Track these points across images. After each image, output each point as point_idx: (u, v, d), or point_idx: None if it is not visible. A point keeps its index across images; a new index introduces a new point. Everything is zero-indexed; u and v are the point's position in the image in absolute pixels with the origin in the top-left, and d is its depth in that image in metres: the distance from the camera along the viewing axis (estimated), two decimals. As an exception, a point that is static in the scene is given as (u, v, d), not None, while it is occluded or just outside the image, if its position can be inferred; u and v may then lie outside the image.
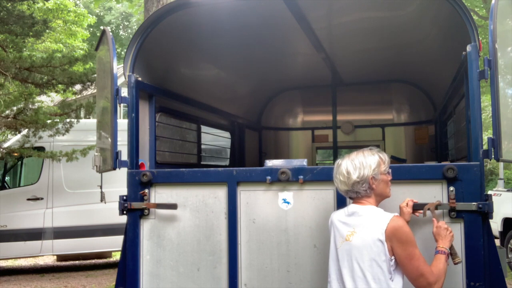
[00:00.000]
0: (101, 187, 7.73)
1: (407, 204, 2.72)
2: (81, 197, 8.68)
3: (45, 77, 7.65)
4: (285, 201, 3.13)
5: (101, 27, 5.35)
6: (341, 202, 2.97)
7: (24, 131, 8.15)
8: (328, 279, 2.59)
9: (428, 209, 2.76)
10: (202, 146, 5.42)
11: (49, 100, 12.05)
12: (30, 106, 7.66)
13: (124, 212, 3.40)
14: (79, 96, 10.28)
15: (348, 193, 2.57)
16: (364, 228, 2.43)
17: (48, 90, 8.06)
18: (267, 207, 3.16)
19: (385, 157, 2.60)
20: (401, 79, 6.29)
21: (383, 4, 3.88)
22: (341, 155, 6.81)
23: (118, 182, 6.36)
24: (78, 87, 8.38)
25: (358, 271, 2.40)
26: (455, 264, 2.57)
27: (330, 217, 2.71)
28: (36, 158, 8.54)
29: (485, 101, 15.98)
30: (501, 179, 12.80)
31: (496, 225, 8.84)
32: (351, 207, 2.56)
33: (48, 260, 10.49)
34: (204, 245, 3.27)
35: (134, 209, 3.37)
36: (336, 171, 2.59)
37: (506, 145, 2.78)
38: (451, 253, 2.54)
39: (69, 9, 17.30)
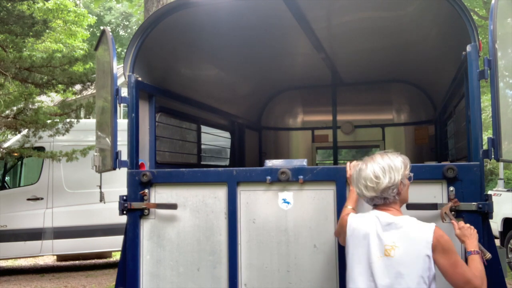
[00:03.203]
0: (100, 187, 7.76)
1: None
2: (81, 197, 8.69)
3: (45, 77, 7.65)
4: (285, 201, 3.13)
5: (101, 27, 5.36)
6: (341, 202, 2.97)
7: (24, 131, 8.15)
8: None
9: (445, 213, 2.73)
10: (202, 146, 5.42)
11: (49, 100, 12.05)
12: (30, 106, 7.66)
13: (124, 212, 3.40)
14: (79, 96, 10.28)
15: (375, 199, 2.39)
16: (408, 242, 2.26)
17: (48, 90, 8.06)
18: (267, 207, 3.16)
19: (407, 160, 2.47)
20: (401, 79, 6.29)
21: (383, 4, 3.88)
22: (341, 155, 6.82)
23: (118, 182, 6.36)
24: (78, 87, 8.38)
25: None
26: (486, 260, 2.48)
27: (351, 224, 2.46)
28: (36, 158, 8.54)
29: (485, 101, 15.98)
30: (501, 179, 12.79)
31: (496, 225, 8.84)
32: (384, 216, 2.36)
33: (48, 260, 10.49)
34: (204, 245, 3.27)
35: (134, 209, 3.37)
36: (359, 177, 2.41)
37: (506, 145, 2.77)
38: (481, 251, 2.45)
39: (69, 9, 17.30)
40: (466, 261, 2.35)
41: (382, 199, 2.37)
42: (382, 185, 2.32)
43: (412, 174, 2.45)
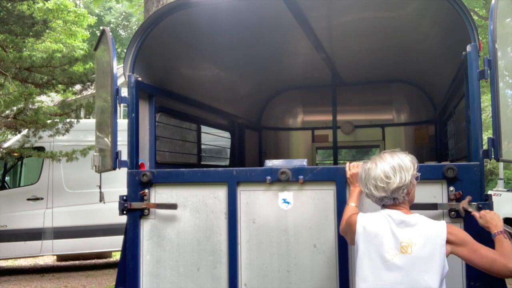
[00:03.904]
0: (100, 187, 7.77)
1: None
2: (81, 197, 8.69)
3: (45, 77, 7.65)
4: (285, 201, 3.13)
5: (101, 27, 5.36)
6: (341, 202, 2.97)
7: (24, 131, 8.15)
8: None
9: (463, 207, 2.74)
10: (202, 146, 5.42)
11: (49, 100, 12.05)
12: (30, 106, 7.66)
13: (124, 212, 3.40)
14: (79, 96, 10.28)
15: (384, 200, 2.35)
16: (424, 239, 2.24)
17: (48, 90, 8.06)
18: (267, 207, 3.16)
19: (415, 159, 2.43)
20: (401, 79, 6.29)
21: (383, 4, 3.88)
22: (341, 155, 6.81)
23: (118, 182, 6.36)
24: (78, 87, 8.39)
25: (422, 284, 2.21)
26: None
27: (361, 224, 2.38)
28: (36, 158, 8.54)
29: (485, 101, 15.98)
30: (501, 179, 12.81)
31: (496, 225, 8.83)
32: (396, 214, 2.32)
33: (48, 260, 10.49)
34: (204, 245, 3.27)
35: (134, 209, 3.37)
36: (369, 176, 2.36)
37: (506, 145, 2.78)
38: (505, 230, 2.40)
39: (69, 9, 17.31)
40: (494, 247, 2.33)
41: (392, 199, 2.33)
42: (393, 185, 2.28)
43: (419, 174, 2.42)
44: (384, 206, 2.39)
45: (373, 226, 2.34)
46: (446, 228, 2.27)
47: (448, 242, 2.25)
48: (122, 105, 3.52)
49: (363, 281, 2.31)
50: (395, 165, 2.31)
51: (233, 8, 3.83)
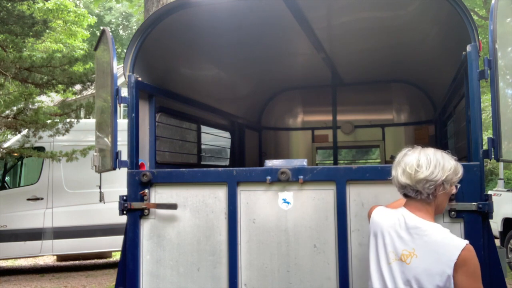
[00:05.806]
0: (100, 187, 7.78)
1: None
2: (81, 197, 8.69)
3: (45, 77, 7.66)
4: (285, 201, 3.13)
5: (101, 27, 5.36)
6: (341, 202, 2.97)
7: (24, 131, 8.16)
8: None
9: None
10: (202, 146, 5.42)
11: (49, 100, 12.06)
12: (30, 106, 7.67)
13: (124, 212, 3.40)
14: (79, 96, 10.29)
15: (406, 188, 2.20)
16: (429, 254, 2.08)
17: (48, 90, 8.07)
18: (267, 207, 3.16)
19: (461, 168, 2.26)
20: (401, 79, 6.29)
21: (383, 4, 3.88)
22: (341, 155, 6.81)
23: (117, 182, 6.37)
24: (78, 87, 8.40)
25: None
26: None
27: (373, 216, 2.35)
28: (36, 158, 8.55)
29: (485, 101, 15.97)
30: (501, 179, 12.78)
31: (496, 225, 8.84)
32: (411, 218, 2.18)
33: (48, 260, 10.50)
34: (204, 245, 3.27)
35: (134, 209, 3.37)
36: (401, 160, 2.24)
37: (506, 145, 2.77)
38: None
39: (69, 9, 17.32)
40: None
41: (414, 192, 2.17)
42: (419, 176, 2.13)
43: (459, 185, 2.28)
44: (407, 198, 2.26)
45: (382, 222, 2.27)
46: (461, 250, 2.03)
47: (457, 267, 2.03)
48: (122, 105, 3.52)
49: (370, 278, 2.29)
50: (432, 159, 2.17)
51: (233, 8, 3.83)
